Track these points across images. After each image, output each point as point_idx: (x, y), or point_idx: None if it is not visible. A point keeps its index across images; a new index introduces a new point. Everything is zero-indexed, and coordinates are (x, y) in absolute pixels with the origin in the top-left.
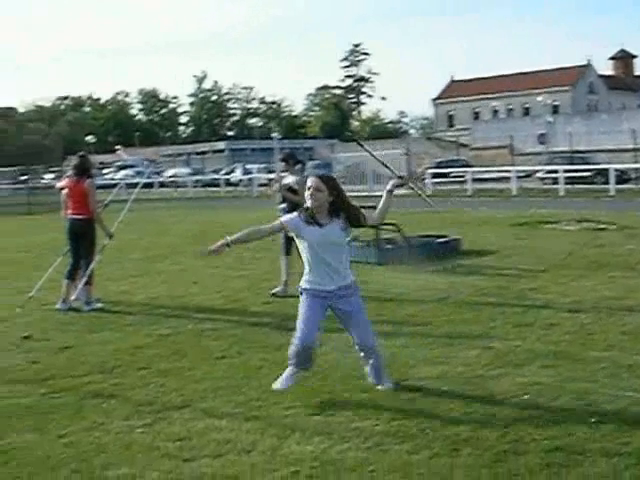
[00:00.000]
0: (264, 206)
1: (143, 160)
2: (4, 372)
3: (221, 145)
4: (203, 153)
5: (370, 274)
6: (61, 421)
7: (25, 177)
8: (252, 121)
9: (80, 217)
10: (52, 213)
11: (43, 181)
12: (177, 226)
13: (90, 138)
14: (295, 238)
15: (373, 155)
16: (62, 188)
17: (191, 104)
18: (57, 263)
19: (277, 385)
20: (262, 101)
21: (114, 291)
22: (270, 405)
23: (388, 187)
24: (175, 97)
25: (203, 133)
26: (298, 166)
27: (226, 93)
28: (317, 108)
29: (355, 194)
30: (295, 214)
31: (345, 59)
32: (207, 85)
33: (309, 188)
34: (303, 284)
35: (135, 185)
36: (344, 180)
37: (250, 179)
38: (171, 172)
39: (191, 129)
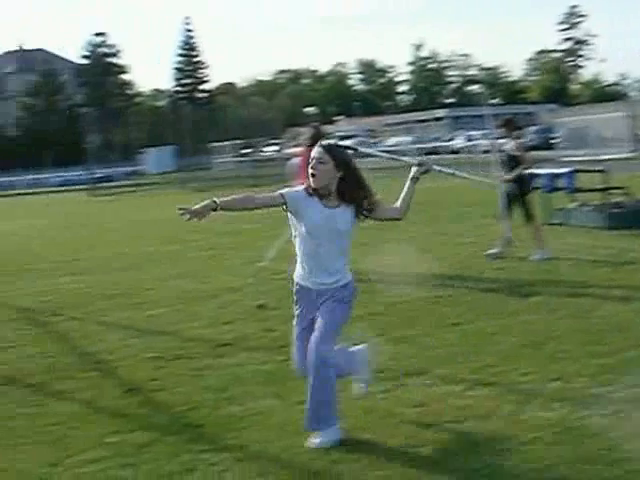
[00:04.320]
0: (486, 172)
1: (362, 130)
2: (241, 340)
3: (441, 113)
4: (423, 121)
5: (600, 239)
6: (299, 388)
7: (247, 150)
8: (471, 88)
9: None
10: (278, 185)
11: (263, 154)
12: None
13: (310, 110)
14: (292, 218)
15: (377, 155)
16: (290, 157)
17: (411, 72)
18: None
19: (312, 441)
20: (481, 68)
21: None
22: (507, 371)
23: (412, 174)
24: (392, 66)
25: (423, 101)
26: (517, 132)
27: (444, 61)
28: (536, 73)
29: (578, 159)
30: (301, 187)
31: (562, 22)
32: (424, 53)
33: (311, 160)
34: (294, 275)
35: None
36: (566, 145)
37: (473, 145)
38: (393, 141)
39: (412, 97)
